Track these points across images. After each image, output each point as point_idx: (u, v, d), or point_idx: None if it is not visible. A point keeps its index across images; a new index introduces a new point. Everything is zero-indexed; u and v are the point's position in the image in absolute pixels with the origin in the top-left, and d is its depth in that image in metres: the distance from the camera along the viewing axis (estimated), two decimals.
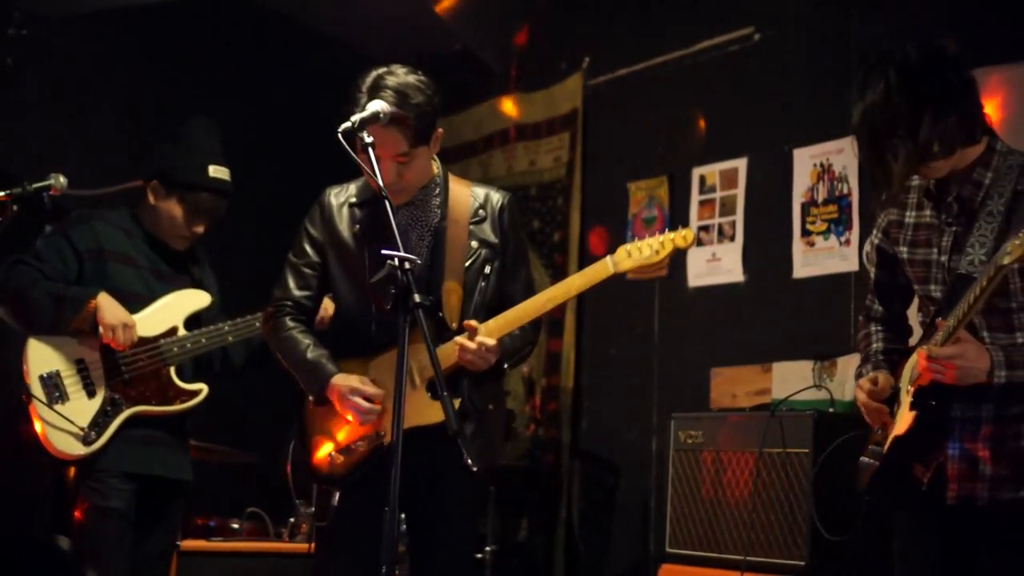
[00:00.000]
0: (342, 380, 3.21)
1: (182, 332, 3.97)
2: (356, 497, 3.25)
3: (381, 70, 3.17)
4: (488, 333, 3.17)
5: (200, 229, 3.99)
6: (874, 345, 3.12)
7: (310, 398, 3.30)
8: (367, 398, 3.18)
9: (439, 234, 3.30)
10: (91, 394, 3.84)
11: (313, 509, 4.79)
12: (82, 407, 3.81)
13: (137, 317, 3.90)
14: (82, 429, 3.76)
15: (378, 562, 2.63)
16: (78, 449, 3.77)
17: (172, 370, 3.93)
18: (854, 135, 2.85)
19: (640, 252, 3.22)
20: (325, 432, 3.30)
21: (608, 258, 3.24)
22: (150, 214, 4.00)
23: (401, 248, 2.81)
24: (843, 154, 4.93)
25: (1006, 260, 2.56)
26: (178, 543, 4.54)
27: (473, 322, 3.17)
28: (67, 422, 3.75)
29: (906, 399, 2.87)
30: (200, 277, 4.11)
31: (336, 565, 3.28)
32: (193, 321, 4.02)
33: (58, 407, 3.78)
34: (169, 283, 4.01)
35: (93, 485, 3.78)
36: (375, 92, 3.11)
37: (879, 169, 2.81)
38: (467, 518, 3.39)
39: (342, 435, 3.27)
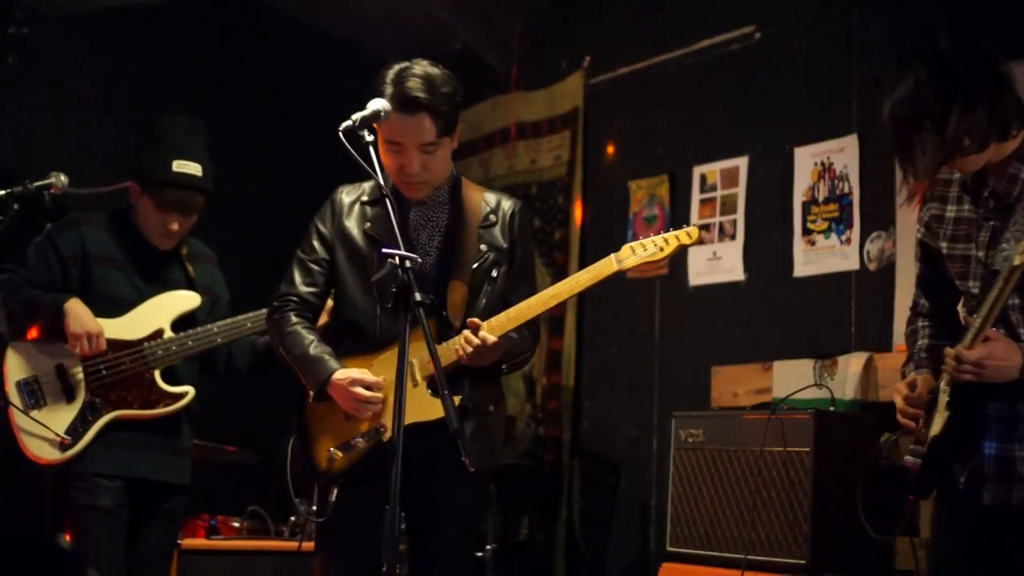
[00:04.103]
0: (343, 374, 3.20)
1: (168, 334, 3.91)
2: (355, 493, 3.24)
3: (404, 63, 3.19)
4: (491, 330, 3.17)
5: (175, 226, 3.91)
6: (919, 342, 3.08)
7: (310, 394, 3.29)
8: (367, 387, 3.18)
9: (449, 235, 3.31)
10: (70, 399, 3.81)
11: (314, 507, 4.79)
12: (60, 412, 3.79)
13: (120, 320, 3.87)
14: (59, 435, 3.74)
15: (375, 558, 2.63)
16: (54, 455, 3.75)
17: (156, 373, 3.88)
18: (885, 128, 2.80)
19: (644, 249, 3.23)
20: (325, 429, 3.30)
21: (612, 256, 3.24)
22: (135, 214, 3.97)
23: (403, 247, 2.82)
24: (844, 153, 4.93)
25: (1017, 260, 2.55)
26: (179, 542, 4.54)
27: (476, 319, 3.17)
28: (44, 428, 3.74)
29: (943, 398, 2.85)
30: (195, 277, 4.06)
31: (333, 561, 3.27)
32: (183, 322, 3.97)
33: (35, 413, 3.76)
34: (159, 284, 3.97)
35: (79, 484, 3.76)
36: (402, 82, 3.12)
37: (907, 162, 2.78)
38: (468, 518, 3.38)
39: (342, 431, 3.26)
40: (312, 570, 3.39)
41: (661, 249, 3.22)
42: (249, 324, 3.98)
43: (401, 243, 2.84)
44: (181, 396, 3.91)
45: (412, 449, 3.05)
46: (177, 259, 4.04)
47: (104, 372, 3.84)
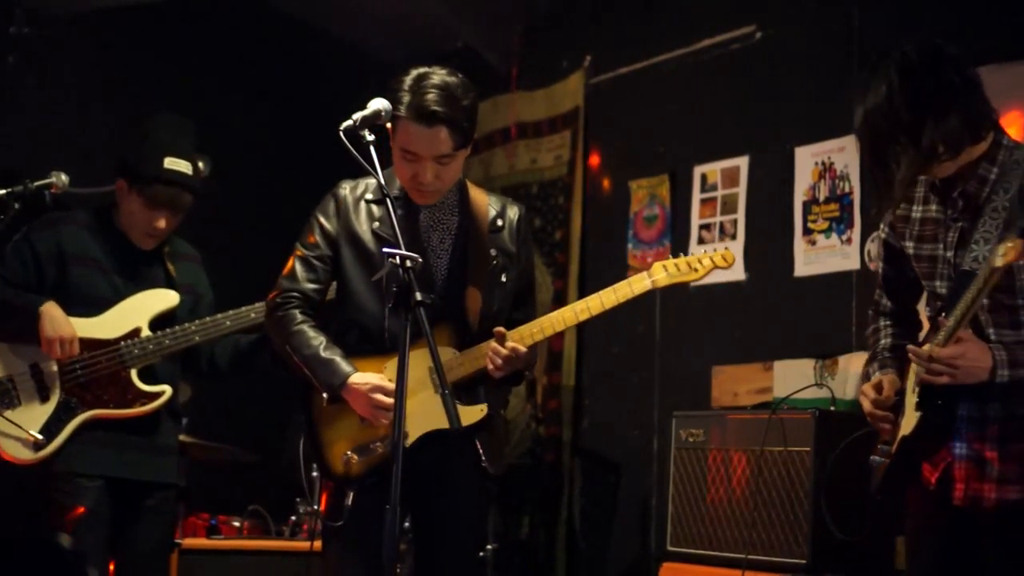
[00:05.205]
0: (361, 379, 3.16)
1: (146, 333, 3.88)
2: (371, 497, 3.20)
3: (423, 69, 3.15)
4: (521, 339, 3.18)
5: (161, 224, 3.88)
6: (882, 342, 3.09)
7: (324, 395, 3.23)
8: (387, 395, 3.15)
9: (461, 238, 3.30)
10: (45, 399, 3.78)
11: (317, 507, 4.79)
12: (35, 412, 3.76)
13: (97, 319, 3.84)
14: (32, 435, 3.71)
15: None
16: (27, 455, 3.72)
17: (133, 372, 3.84)
18: (856, 137, 2.84)
19: (678, 269, 3.22)
20: (338, 431, 3.26)
21: (645, 274, 3.23)
22: (120, 213, 3.94)
23: (414, 249, 2.82)
24: (844, 152, 4.93)
25: (999, 262, 2.54)
26: (178, 542, 4.54)
27: (502, 328, 3.17)
28: (17, 428, 3.71)
29: (912, 399, 2.86)
30: (176, 276, 4.02)
31: (351, 565, 3.25)
32: (162, 321, 3.93)
33: (8, 413, 3.73)
34: (139, 283, 3.93)
35: (59, 486, 3.74)
36: (420, 93, 3.09)
37: (881, 174, 2.79)
38: (473, 520, 3.38)
39: (358, 435, 3.23)
40: (322, 571, 3.37)
41: (695, 270, 3.22)
42: (228, 323, 3.94)
43: (402, 243, 2.83)
44: (158, 395, 3.86)
45: (428, 454, 3.05)
46: (158, 258, 4.01)
47: (79, 371, 3.81)
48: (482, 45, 6.60)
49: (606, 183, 6.01)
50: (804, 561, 4.02)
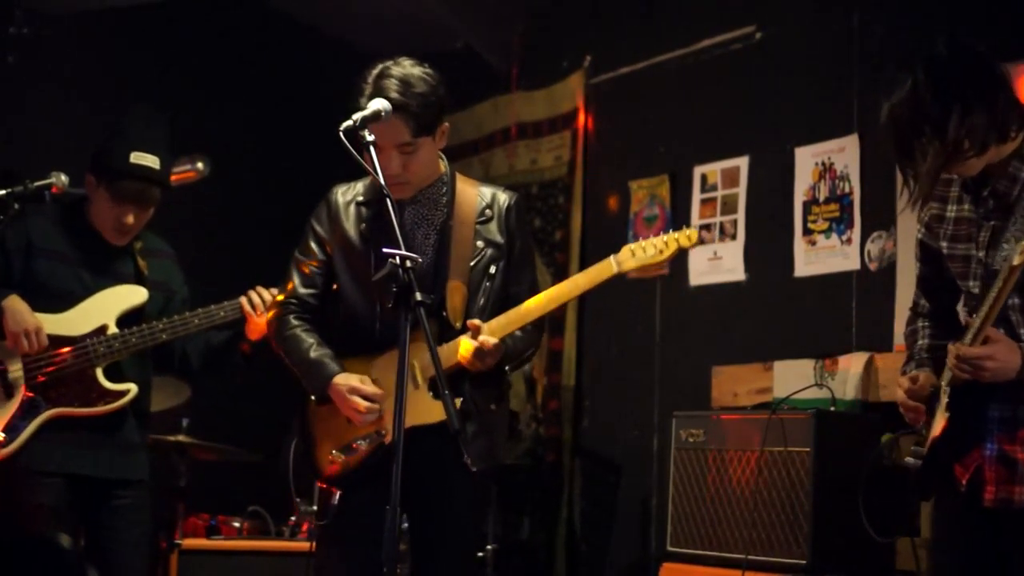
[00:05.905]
0: (343, 379, 3.21)
1: (113, 330, 3.82)
2: (356, 496, 3.24)
3: (388, 62, 3.19)
4: (491, 332, 3.16)
5: (130, 219, 3.82)
6: (920, 342, 3.07)
7: (312, 397, 3.29)
8: (366, 398, 3.18)
9: (445, 233, 3.30)
10: (8, 396, 3.73)
11: (315, 508, 4.79)
12: None
13: (64, 316, 3.80)
14: None
15: (377, 560, 2.62)
16: None
17: (99, 370, 3.79)
18: (884, 133, 2.82)
19: (644, 251, 3.22)
20: (326, 431, 3.30)
21: (612, 257, 3.24)
22: (89, 207, 3.89)
23: (403, 246, 2.81)
24: (845, 152, 4.93)
25: (1017, 261, 2.55)
26: (178, 542, 4.54)
27: (476, 321, 3.17)
28: None
29: (944, 399, 2.85)
30: (147, 272, 3.96)
31: (336, 564, 3.27)
32: (131, 318, 3.87)
33: None
34: (107, 278, 3.88)
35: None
36: (380, 81, 3.12)
37: (908, 169, 2.79)
38: (470, 519, 3.38)
39: (343, 434, 3.26)
40: (314, 570, 3.39)
41: (660, 252, 3.22)
42: (197, 321, 3.88)
43: (402, 243, 2.84)
44: (123, 393, 3.80)
45: (414, 451, 3.05)
46: (129, 253, 3.95)
47: (44, 369, 3.77)
48: (482, 45, 6.60)
49: (606, 183, 6.01)
50: (804, 561, 4.02)
